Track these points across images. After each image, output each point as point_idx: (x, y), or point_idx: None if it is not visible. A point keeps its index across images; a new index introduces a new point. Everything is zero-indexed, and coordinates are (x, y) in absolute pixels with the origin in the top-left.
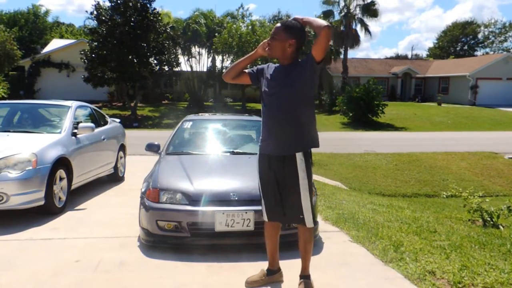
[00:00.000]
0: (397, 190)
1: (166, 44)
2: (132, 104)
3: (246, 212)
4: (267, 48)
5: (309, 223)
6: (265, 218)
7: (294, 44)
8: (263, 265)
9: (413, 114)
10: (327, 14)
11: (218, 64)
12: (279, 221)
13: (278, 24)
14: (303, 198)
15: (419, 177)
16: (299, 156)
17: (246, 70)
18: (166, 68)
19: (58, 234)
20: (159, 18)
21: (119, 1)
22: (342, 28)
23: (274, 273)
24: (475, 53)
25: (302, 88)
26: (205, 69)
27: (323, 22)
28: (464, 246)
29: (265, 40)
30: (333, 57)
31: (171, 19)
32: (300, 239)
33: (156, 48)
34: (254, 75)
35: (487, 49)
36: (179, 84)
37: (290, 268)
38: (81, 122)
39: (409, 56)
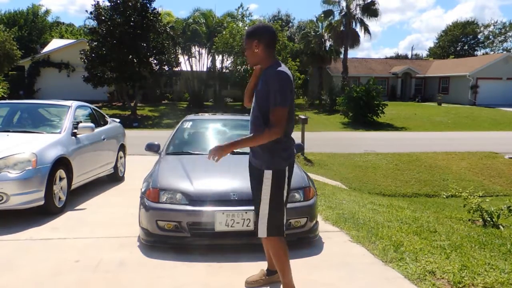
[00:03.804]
0: (397, 190)
1: (166, 44)
2: (132, 104)
3: (246, 212)
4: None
5: (261, 233)
6: None
7: (258, 43)
8: (263, 265)
9: (413, 114)
10: (327, 14)
11: (218, 64)
12: None
13: (244, 37)
14: (261, 209)
15: (419, 177)
16: (267, 174)
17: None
18: (166, 68)
19: (58, 234)
20: (159, 18)
21: (118, 1)
22: (342, 28)
23: (273, 273)
24: (475, 53)
25: (260, 96)
26: (205, 69)
27: (255, 144)
28: (464, 246)
29: None
30: (333, 57)
31: (173, 18)
32: (270, 252)
33: (156, 48)
34: None
35: (487, 49)
36: (179, 84)
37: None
38: (81, 122)
39: (409, 56)
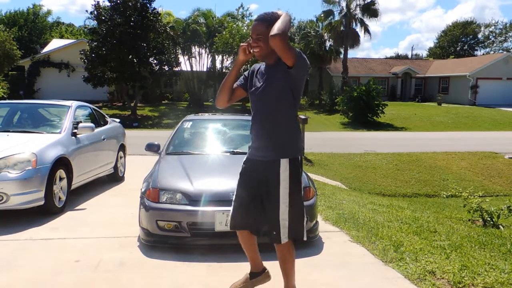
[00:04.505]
0: (397, 190)
1: (166, 44)
2: (132, 104)
3: None
4: (254, 50)
5: (284, 238)
6: (228, 225)
7: None
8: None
9: (413, 114)
10: (327, 14)
11: (218, 64)
12: (247, 229)
13: (258, 23)
14: (281, 212)
15: (419, 177)
16: (283, 164)
17: (235, 84)
18: (166, 68)
19: (58, 234)
20: (159, 18)
21: (118, 1)
22: (342, 28)
23: (258, 275)
24: (475, 53)
25: (278, 89)
26: (205, 69)
27: (273, 30)
28: (464, 246)
29: (243, 44)
30: (333, 57)
31: (173, 17)
32: (278, 256)
33: (156, 48)
34: (245, 84)
35: (487, 49)
36: (179, 84)
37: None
38: (81, 122)
39: (409, 56)
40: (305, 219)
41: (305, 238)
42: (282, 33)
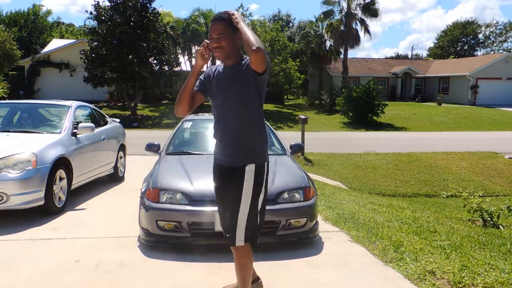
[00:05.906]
0: (397, 190)
1: (166, 44)
2: (132, 104)
3: None
4: (215, 51)
5: (238, 241)
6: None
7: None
8: (263, 265)
9: (413, 114)
10: (327, 14)
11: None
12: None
13: (217, 22)
14: (240, 216)
15: (419, 177)
16: (248, 169)
17: (194, 89)
18: (166, 68)
19: (58, 234)
20: (159, 18)
21: (118, 1)
22: (342, 28)
23: (252, 282)
24: (476, 53)
25: (243, 93)
26: (205, 69)
27: (253, 45)
28: (464, 246)
29: (200, 48)
30: (333, 57)
31: (173, 17)
32: (235, 263)
33: (156, 48)
34: (203, 88)
35: (488, 49)
36: (179, 84)
37: (286, 268)
38: (81, 122)
39: (409, 56)
40: (260, 225)
41: (257, 242)
42: (262, 46)
